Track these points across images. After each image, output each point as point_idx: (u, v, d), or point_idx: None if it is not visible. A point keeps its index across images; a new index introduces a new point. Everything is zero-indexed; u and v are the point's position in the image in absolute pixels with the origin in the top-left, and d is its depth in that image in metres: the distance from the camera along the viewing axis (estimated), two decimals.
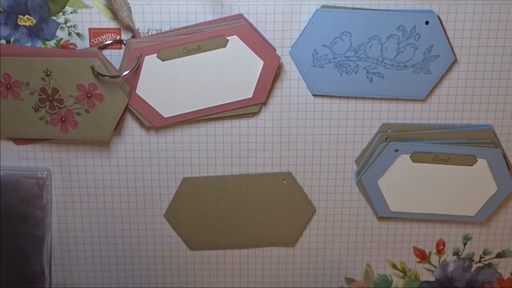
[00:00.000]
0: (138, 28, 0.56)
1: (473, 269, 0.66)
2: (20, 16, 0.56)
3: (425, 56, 0.57)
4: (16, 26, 0.56)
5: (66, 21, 0.56)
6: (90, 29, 0.57)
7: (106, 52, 0.57)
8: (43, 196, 0.60)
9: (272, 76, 0.58)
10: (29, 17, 0.56)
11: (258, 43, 0.56)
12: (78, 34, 0.57)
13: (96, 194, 0.62)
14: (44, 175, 0.60)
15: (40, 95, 0.57)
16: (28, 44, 0.57)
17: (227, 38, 0.56)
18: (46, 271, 0.62)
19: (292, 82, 0.59)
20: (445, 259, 0.65)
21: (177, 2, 0.56)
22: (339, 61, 0.58)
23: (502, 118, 0.60)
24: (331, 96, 0.59)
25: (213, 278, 0.66)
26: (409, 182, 0.61)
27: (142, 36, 0.56)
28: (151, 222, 0.63)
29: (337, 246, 0.65)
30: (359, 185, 0.62)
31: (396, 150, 0.59)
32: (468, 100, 0.60)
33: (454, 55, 0.58)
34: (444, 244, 0.65)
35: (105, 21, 0.57)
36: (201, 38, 0.56)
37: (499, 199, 0.61)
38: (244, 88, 0.58)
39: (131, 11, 0.56)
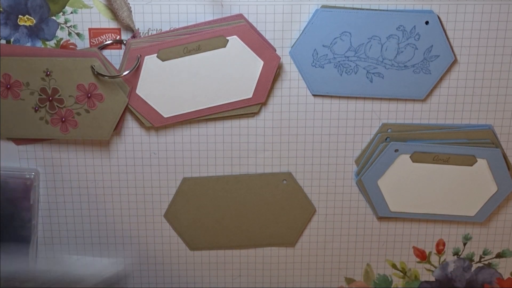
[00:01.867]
0: (138, 28, 0.56)
1: (473, 269, 0.66)
2: (20, 16, 0.56)
3: (425, 56, 0.57)
4: (16, 26, 0.56)
5: (66, 21, 0.56)
6: (90, 29, 0.57)
7: (106, 52, 0.57)
8: (30, 197, 0.59)
9: (272, 76, 0.58)
10: (29, 17, 0.56)
11: (258, 43, 0.56)
12: (78, 34, 0.57)
13: (96, 194, 0.62)
14: (32, 176, 0.59)
15: (40, 95, 0.57)
16: (28, 44, 0.57)
17: (227, 38, 0.56)
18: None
19: (292, 82, 0.59)
20: (445, 259, 0.65)
21: (177, 2, 0.56)
22: (339, 61, 0.58)
23: (502, 118, 0.60)
24: (331, 96, 0.60)
25: (213, 278, 0.66)
26: (409, 182, 0.61)
27: (142, 36, 0.57)
28: (151, 222, 0.63)
29: (337, 246, 0.65)
30: (359, 185, 0.62)
31: (396, 150, 0.59)
32: (468, 100, 0.60)
33: (454, 55, 0.58)
34: (444, 244, 0.65)
35: (105, 21, 0.57)
36: (201, 38, 0.56)
37: (499, 199, 0.61)
38: (244, 88, 0.58)
39: (131, 11, 0.56)
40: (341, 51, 0.57)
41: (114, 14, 0.56)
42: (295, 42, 0.57)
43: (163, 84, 0.57)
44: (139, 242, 0.64)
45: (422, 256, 0.65)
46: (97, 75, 0.56)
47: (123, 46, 0.57)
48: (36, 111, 0.57)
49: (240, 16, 0.56)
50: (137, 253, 0.64)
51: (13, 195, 0.59)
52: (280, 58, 0.57)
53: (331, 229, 0.64)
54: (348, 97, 0.59)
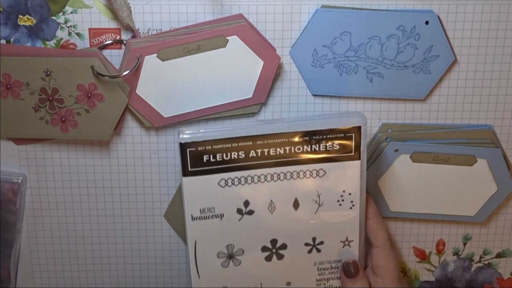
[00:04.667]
0: (138, 28, 0.56)
1: (473, 269, 0.66)
2: (20, 16, 0.56)
3: (425, 56, 0.57)
4: (16, 26, 0.56)
5: (66, 21, 0.56)
6: (90, 29, 0.57)
7: (106, 52, 0.57)
8: (17, 201, 0.60)
9: (272, 76, 0.58)
10: (29, 17, 0.56)
11: (258, 43, 0.56)
12: (78, 34, 0.57)
13: (96, 194, 0.62)
14: (20, 181, 0.60)
15: (40, 95, 0.57)
16: (28, 44, 0.57)
17: (227, 38, 0.56)
18: (12, 275, 0.62)
19: (292, 82, 0.59)
20: (445, 259, 0.65)
21: (177, 2, 0.56)
22: (339, 61, 0.58)
23: (502, 118, 0.60)
24: (331, 96, 0.60)
25: None
26: (409, 182, 0.61)
27: (142, 36, 0.57)
28: (151, 222, 0.63)
29: None
30: None
31: (396, 150, 0.59)
32: (468, 100, 0.60)
33: (454, 55, 0.58)
34: (444, 244, 0.65)
35: (105, 21, 0.57)
36: (201, 38, 0.56)
37: (499, 199, 0.61)
38: (244, 88, 0.58)
39: (131, 11, 0.56)
40: (341, 51, 0.57)
41: (114, 14, 0.56)
42: (295, 42, 0.57)
43: (163, 84, 0.57)
44: (139, 242, 0.64)
45: (422, 256, 0.65)
46: (97, 75, 0.56)
47: (123, 46, 0.57)
48: (36, 111, 0.57)
49: (240, 16, 0.56)
50: (137, 253, 0.64)
51: (0, 198, 0.59)
52: (280, 58, 0.57)
53: None
54: (348, 97, 0.59)
